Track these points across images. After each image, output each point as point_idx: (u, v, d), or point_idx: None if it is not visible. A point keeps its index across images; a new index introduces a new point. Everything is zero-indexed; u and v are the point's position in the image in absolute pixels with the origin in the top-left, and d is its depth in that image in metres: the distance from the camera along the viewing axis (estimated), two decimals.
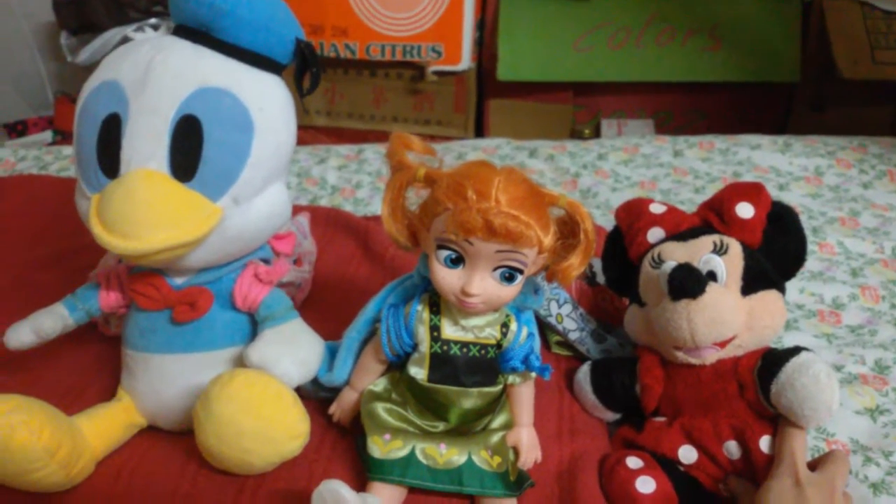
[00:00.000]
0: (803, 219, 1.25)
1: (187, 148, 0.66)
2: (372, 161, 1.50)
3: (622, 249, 0.85)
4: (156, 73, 0.67)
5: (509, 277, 0.66)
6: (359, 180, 1.44)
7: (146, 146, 0.66)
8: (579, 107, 2.16)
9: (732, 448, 0.73)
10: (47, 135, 2.22)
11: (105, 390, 0.81)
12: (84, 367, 0.86)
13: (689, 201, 1.32)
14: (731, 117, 2.11)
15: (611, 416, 0.83)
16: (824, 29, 2.01)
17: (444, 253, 0.65)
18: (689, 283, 0.73)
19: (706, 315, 0.72)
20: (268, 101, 0.70)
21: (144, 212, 0.65)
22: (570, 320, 0.89)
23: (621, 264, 0.86)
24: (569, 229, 0.68)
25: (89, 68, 0.73)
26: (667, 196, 1.35)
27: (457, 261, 0.65)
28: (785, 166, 1.44)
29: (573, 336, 0.88)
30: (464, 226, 0.62)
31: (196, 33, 0.69)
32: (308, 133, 2.05)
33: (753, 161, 1.45)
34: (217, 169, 0.67)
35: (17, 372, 0.84)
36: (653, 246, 0.82)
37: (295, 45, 0.71)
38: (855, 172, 1.41)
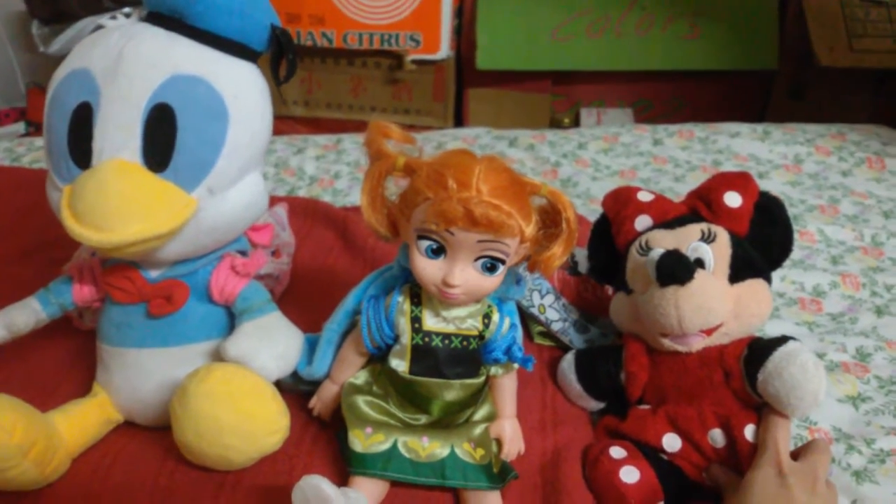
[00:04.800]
0: None
1: (160, 137, 0.65)
2: (350, 151, 1.48)
3: (609, 237, 0.85)
4: (127, 61, 0.65)
5: (491, 268, 0.65)
6: (337, 170, 1.42)
7: (118, 136, 0.65)
8: (558, 96, 2.16)
9: (717, 436, 0.73)
10: (19, 126, 2.19)
11: (80, 386, 0.80)
12: (58, 363, 0.84)
13: (670, 190, 1.31)
14: (711, 105, 2.11)
15: (594, 404, 0.83)
16: (802, 16, 2.01)
17: (425, 243, 0.64)
18: (677, 269, 0.72)
19: (694, 301, 0.72)
20: (243, 88, 0.68)
21: (117, 203, 0.63)
22: (552, 311, 0.88)
23: (608, 252, 0.86)
24: (550, 219, 0.67)
25: (62, 59, 0.71)
26: (647, 184, 1.34)
27: (438, 251, 0.64)
28: (764, 154, 1.44)
29: (556, 327, 0.88)
30: (444, 215, 0.61)
31: (169, 20, 0.68)
32: (285, 123, 2.03)
33: (733, 149, 1.45)
34: (191, 159, 0.66)
35: None
36: (640, 234, 0.81)
37: (270, 31, 0.70)
38: (834, 160, 1.41)
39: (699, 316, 0.72)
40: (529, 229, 0.64)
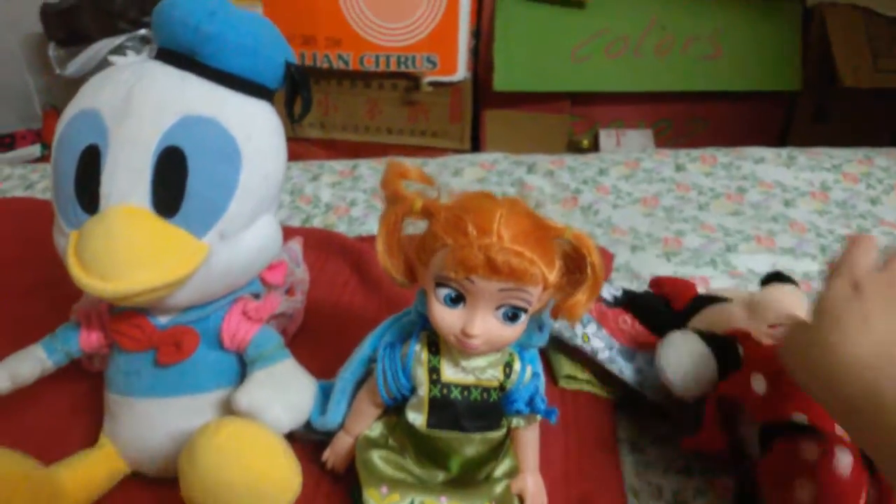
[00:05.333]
0: (810, 236, 1.22)
1: (170, 182, 0.62)
2: (367, 177, 1.46)
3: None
4: (137, 102, 0.63)
5: (513, 317, 0.62)
6: (353, 198, 1.39)
7: (127, 180, 0.62)
8: (577, 117, 2.13)
9: None
10: (36, 149, 2.18)
11: (88, 432, 0.77)
12: (66, 408, 0.81)
13: (693, 219, 1.28)
14: (732, 126, 2.08)
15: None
16: (825, 36, 1.97)
17: (444, 291, 0.61)
18: None
19: None
20: (256, 129, 0.66)
21: (124, 251, 0.61)
22: (597, 339, 0.84)
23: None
24: (575, 264, 0.64)
25: (78, 81, 0.69)
26: (670, 213, 1.31)
27: (457, 299, 0.61)
28: (790, 181, 1.40)
29: (602, 356, 0.84)
30: (464, 263, 0.58)
31: (180, 58, 0.65)
32: (301, 145, 2.01)
33: (757, 176, 1.41)
34: (202, 203, 0.63)
35: None
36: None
37: (284, 68, 0.68)
38: (862, 187, 1.37)
39: None
40: (553, 276, 0.61)
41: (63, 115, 0.67)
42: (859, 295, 0.54)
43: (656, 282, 0.96)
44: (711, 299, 0.86)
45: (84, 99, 0.67)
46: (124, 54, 0.72)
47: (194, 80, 0.65)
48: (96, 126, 0.64)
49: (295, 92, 0.69)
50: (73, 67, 1.93)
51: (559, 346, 0.87)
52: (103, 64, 0.71)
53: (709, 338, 0.77)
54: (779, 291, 0.85)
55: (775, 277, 0.88)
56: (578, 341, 0.84)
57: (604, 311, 0.90)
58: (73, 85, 0.68)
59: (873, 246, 0.59)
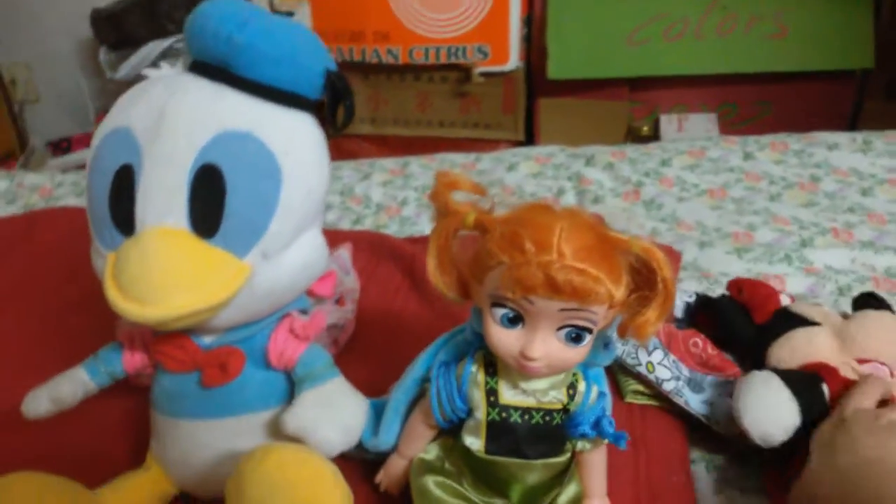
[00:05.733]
0: (891, 228, 1.14)
1: (208, 201, 0.59)
2: (418, 175, 1.42)
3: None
4: (170, 119, 0.60)
5: (576, 338, 0.57)
6: (404, 197, 1.36)
7: (162, 200, 0.59)
8: (636, 103, 2.05)
9: None
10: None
11: (134, 452, 0.75)
12: (111, 426, 0.80)
13: (765, 211, 1.21)
14: (800, 108, 1.98)
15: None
16: None
17: (501, 311, 0.57)
18: None
19: None
20: (296, 142, 0.62)
21: (161, 275, 0.58)
22: (662, 368, 0.78)
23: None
24: (643, 278, 0.59)
25: (129, 83, 0.66)
26: (739, 205, 1.24)
27: (515, 320, 0.57)
28: (866, 167, 1.31)
29: (668, 386, 0.78)
30: (522, 283, 0.53)
31: (215, 70, 0.62)
32: (352, 141, 1.98)
33: (831, 163, 1.33)
34: (242, 222, 0.60)
35: (38, 433, 0.77)
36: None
37: (325, 77, 0.64)
38: None
39: None
40: (619, 293, 0.56)
41: (96, 134, 0.64)
42: (842, 426, 0.62)
43: (735, 284, 0.89)
44: (797, 319, 0.80)
45: (116, 116, 0.64)
46: (174, 57, 0.70)
47: (229, 94, 0.61)
48: (129, 145, 0.61)
49: (337, 101, 0.65)
50: (124, 70, 1.93)
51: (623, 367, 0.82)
52: (153, 66, 0.69)
53: (792, 379, 0.71)
54: (874, 323, 0.79)
55: (869, 298, 0.84)
56: (643, 370, 0.78)
57: (673, 333, 0.84)
58: (125, 88, 0.66)
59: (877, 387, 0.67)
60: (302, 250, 0.64)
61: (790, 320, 0.80)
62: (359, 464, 0.72)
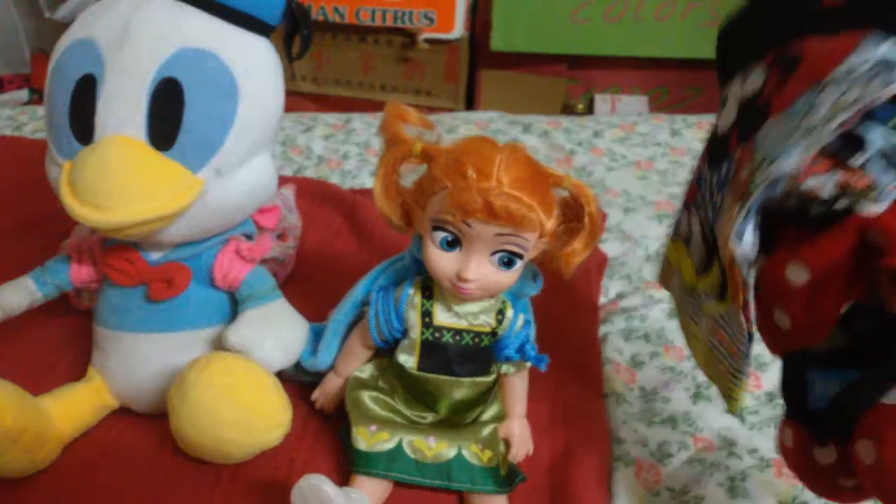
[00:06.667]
0: None
1: (167, 114, 0.62)
2: (360, 131, 1.44)
3: None
4: (134, 32, 0.62)
5: (508, 262, 0.61)
6: (346, 151, 1.38)
7: (123, 110, 0.61)
8: (573, 80, 2.11)
9: None
10: (23, 93, 2.15)
11: (75, 367, 0.77)
12: (54, 342, 0.81)
13: (687, 183, 1.28)
14: None
15: None
16: None
17: (440, 234, 0.61)
18: None
19: None
20: (255, 64, 0.65)
21: (119, 182, 0.60)
22: None
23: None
24: (572, 212, 0.64)
25: (68, 25, 0.68)
26: (664, 177, 1.31)
27: (453, 243, 0.61)
28: None
29: None
30: (462, 206, 0.58)
31: None
32: (293, 99, 1.98)
33: None
34: (199, 137, 0.62)
35: None
36: None
37: (285, 5, 0.66)
38: None
39: None
40: (550, 223, 0.61)
41: (58, 45, 0.66)
42: None
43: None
44: None
45: (80, 29, 0.66)
46: None
47: (193, 13, 0.64)
48: (92, 56, 0.63)
49: (294, 29, 0.68)
50: (63, 11, 1.89)
51: None
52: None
53: None
54: None
55: None
56: None
57: None
58: (63, 29, 0.67)
59: None
60: (253, 172, 0.67)
61: None
62: (295, 386, 0.76)
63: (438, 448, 0.66)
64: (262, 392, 0.64)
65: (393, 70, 2.04)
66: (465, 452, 0.66)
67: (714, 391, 0.83)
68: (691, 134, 1.45)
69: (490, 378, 0.69)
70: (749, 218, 0.48)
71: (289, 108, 0.73)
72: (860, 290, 0.46)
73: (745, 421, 0.80)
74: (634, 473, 0.74)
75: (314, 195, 1.13)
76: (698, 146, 1.39)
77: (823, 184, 0.44)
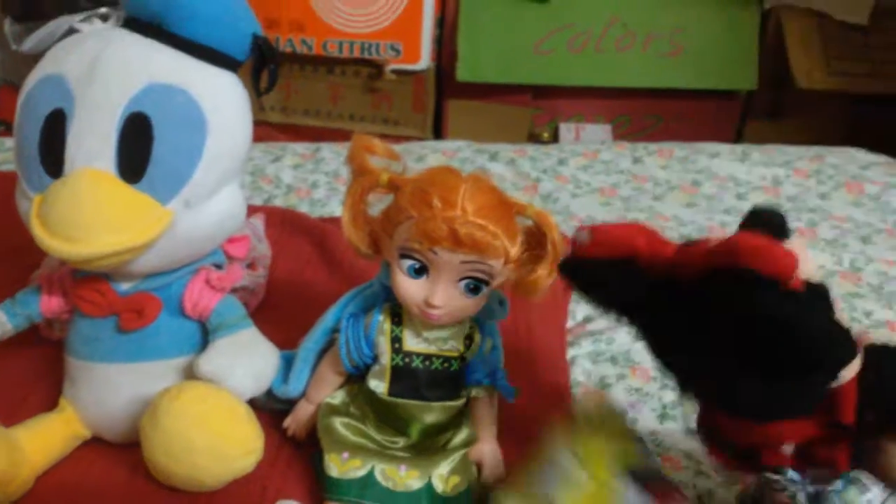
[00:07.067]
0: None
1: (136, 147, 0.63)
2: (329, 161, 1.46)
3: None
4: (103, 68, 0.63)
5: (474, 289, 0.63)
6: (315, 180, 1.40)
7: (92, 144, 0.62)
8: (538, 110, 2.15)
9: None
10: None
11: (47, 399, 0.77)
12: (25, 374, 0.81)
13: (649, 209, 1.31)
14: (689, 123, 2.12)
15: None
16: (781, 38, 2.03)
17: (408, 262, 0.63)
18: None
19: None
20: (222, 99, 0.66)
21: (89, 214, 0.61)
22: None
23: None
24: (536, 240, 0.66)
25: (35, 57, 0.69)
26: (627, 203, 1.34)
27: (420, 271, 0.63)
28: (743, 175, 1.44)
29: None
30: (428, 235, 0.60)
31: (148, 27, 0.66)
32: (262, 129, 1.98)
33: (712, 170, 1.45)
34: (167, 170, 0.64)
35: None
36: None
37: (252, 40, 0.68)
38: (813, 183, 1.42)
39: None
40: (514, 250, 0.63)
41: (27, 80, 0.67)
42: None
43: None
44: None
45: (50, 64, 0.67)
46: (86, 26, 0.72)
47: (162, 49, 0.65)
48: (62, 91, 0.64)
49: (262, 64, 0.70)
50: (30, 43, 1.89)
51: None
52: (61, 41, 0.71)
53: None
54: None
55: None
56: None
57: None
58: (30, 61, 0.68)
59: None
60: (222, 202, 0.68)
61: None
62: (268, 414, 0.76)
63: (409, 476, 0.67)
64: (234, 420, 0.65)
65: (361, 100, 2.07)
66: (434, 482, 0.67)
67: (679, 412, 0.85)
68: (653, 161, 1.49)
69: (460, 402, 0.70)
70: None
71: (258, 137, 0.74)
72: None
73: None
74: None
75: (284, 224, 1.14)
76: (660, 173, 1.43)
77: None
